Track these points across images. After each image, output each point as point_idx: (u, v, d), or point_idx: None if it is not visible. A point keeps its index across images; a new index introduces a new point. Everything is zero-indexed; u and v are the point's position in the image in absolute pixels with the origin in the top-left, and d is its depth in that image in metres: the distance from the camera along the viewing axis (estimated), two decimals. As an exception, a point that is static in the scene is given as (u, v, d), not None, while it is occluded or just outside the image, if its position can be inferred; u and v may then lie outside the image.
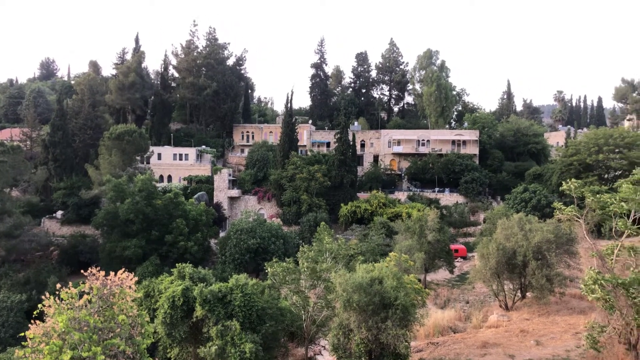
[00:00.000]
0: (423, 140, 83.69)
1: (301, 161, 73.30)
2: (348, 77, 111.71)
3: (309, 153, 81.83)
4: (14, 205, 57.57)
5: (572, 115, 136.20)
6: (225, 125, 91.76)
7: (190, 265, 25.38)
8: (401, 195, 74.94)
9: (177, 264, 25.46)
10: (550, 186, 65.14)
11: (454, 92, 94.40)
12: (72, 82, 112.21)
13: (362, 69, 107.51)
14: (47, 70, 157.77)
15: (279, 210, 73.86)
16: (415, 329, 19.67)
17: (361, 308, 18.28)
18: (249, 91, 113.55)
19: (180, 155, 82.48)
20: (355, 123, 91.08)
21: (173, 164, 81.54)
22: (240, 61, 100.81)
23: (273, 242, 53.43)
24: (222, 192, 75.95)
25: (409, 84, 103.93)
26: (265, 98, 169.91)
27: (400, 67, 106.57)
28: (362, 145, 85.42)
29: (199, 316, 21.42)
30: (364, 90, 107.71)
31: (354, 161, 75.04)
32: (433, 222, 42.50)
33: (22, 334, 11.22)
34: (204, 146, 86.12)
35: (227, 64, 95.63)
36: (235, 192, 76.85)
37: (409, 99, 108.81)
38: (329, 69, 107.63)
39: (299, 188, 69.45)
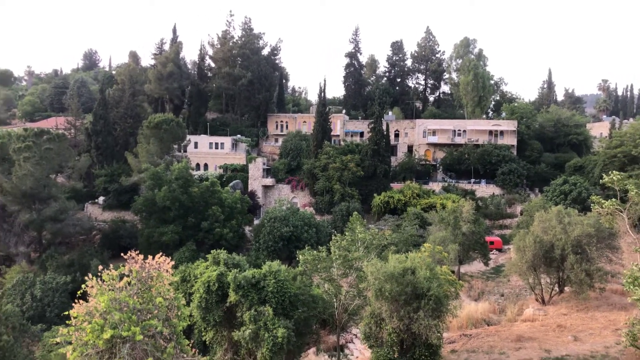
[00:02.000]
0: (459, 130, 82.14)
1: (334, 151, 73.28)
2: (383, 67, 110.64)
3: (342, 143, 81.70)
4: (59, 191, 60.06)
5: (618, 105, 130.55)
6: (260, 115, 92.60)
7: (225, 251, 25.84)
8: (435, 186, 73.97)
9: (212, 250, 26.00)
10: (592, 179, 62.88)
11: (492, 82, 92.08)
12: (113, 72, 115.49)
13: (397, 58, 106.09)
14: (90, 61, 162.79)
15: (311, 199, 74.25)
16: (448, 320, 19.50)
17: (393, 298, 18.25)
18: (283, 81, 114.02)
19: (216, 144, 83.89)
20: (390, 113, 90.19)
21: (209, 153, 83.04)
22: (274, 51, 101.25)
23: (306, 231, 53.79)
24: (257, 180, 76.90)
25: (445, 73, 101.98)
26: (299, 88, 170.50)
27: (437, 55, 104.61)
28: (396, 135, 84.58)
29: (233, 301, 21.85)
30: (398, 80, 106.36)
31: (388, 151, 74.44)
32: (468, 214, 41.80)
33: (66, 313, 11.75)
34: (239, 135, 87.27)
35: (262, 54, 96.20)
36: (269, 181, 77.68)
37: (444, 88, 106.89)
38: (363, 59, 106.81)
39: (332, 178, 69.54)
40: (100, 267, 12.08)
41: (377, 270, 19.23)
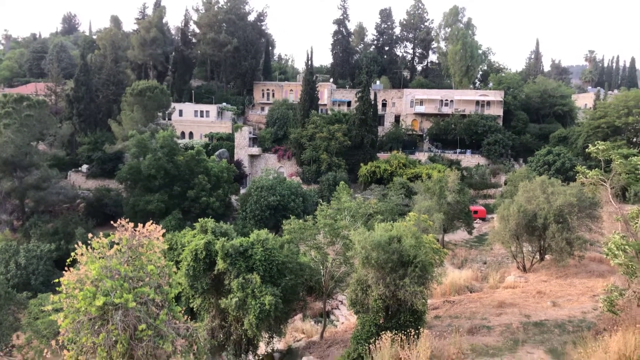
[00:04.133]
0: (446, 100, 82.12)
1: (321, 120, 72.89)
2: (371, 35, 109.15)
3: (329, 112, 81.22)
4: (41, 159, 59.05)
5: (603, 76, 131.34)
6: (246, 83, 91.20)
7: (212, 220, 25.91)
8: (422, 156, 74.42)
9: (199, 219, 26.01)
10: (576, 149, 63.82)
11: (480, 51, 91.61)
12: (94, 37, 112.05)
13: (385, 26, 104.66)
14: (69, 25, 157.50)
15: (298, 169, 74.24)
16: (433, 287, 19.97)
17: (379, 265, 18.57)
18: (270, 48, 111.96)
19: (202, 112, 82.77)
20: (377, 82, 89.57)
21: (194, 121, 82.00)
22: (261, 17, 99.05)
23: (293, 200, 54.02)
24: (243, 149, 76.45)
25: (433, 42, 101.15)
26: (286, 55, 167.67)
27: (425, 24, 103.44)
28: (384, 105, 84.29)
29: (221, 269, 22.04)
30: (387, 48, 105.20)
31: (375, 121, 74.30)
32: (453, 184, 42.32)
33: (57, 280, 11.76)
34: (224, 103, 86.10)
35: (248, 19, 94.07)
36: (255, 150, 77.28)
37: (433, 57, 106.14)
38: (351, 26, 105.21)
39: (319, 147, 69.43)
40: (90, 235, 12.05)
41: (364, 238, 19.48)
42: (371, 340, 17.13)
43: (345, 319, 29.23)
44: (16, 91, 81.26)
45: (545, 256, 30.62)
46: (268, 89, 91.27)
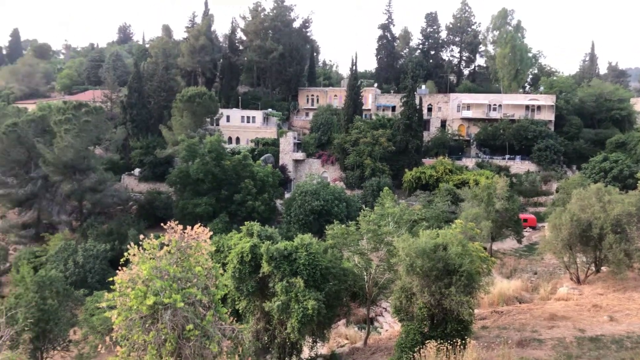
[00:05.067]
0: (494, 104, 80.00)
1: (365, 125, 72.66)
2: (416, 39, 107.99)
3: (373, 117, 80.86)
4: (97, 162, 61.99)
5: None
6: (291, 89, 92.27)
7: (258, 223, 26.28)
8: (469, 162, 72.69)
9: (245, 222, 26.45)
10: (635, 155, 60.55)
11: (530, 54, 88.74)
12: (147, 45, 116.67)
13: (431, 30, 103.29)
14: (124, 34, 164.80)
15: (342, 174, 74.25)
16: (480, 296, 19.46)
17: (424, 273, 18.28)
18: (314, 54, 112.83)
19: (248, 117, 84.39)
20: (423, 86, 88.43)
21: (241, 126, 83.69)
22: (306, 23, 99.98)
23: (336, 205, 54.06)
24: (287, 154, 77.29)
25: (480, 46, 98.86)
26: (330, 61, 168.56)
27: (472, 27, 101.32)
28: (429, 110, 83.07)
29: (266, 272, 22.30)
30: (432, 52, 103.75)
31: (420, 126, 73.30)
32: (502, 190, 41.11)
33: (111, 279, 12.23)
34: (270, 109, 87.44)
35: (294, 26, 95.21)
36: (299, 155, 77.96)
37: (480, 61, 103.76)
38: (396, 31, 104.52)
39: (363, 152, 69.19)
40: (141, 236, 12.49)
41: (408, 245, 19.23)
42: (416, 349, 16.86)
43: (389, 326, 28.90)
44: (75, 98, 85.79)
45: (602, 268, 29.15)
46: (312, 95, 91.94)
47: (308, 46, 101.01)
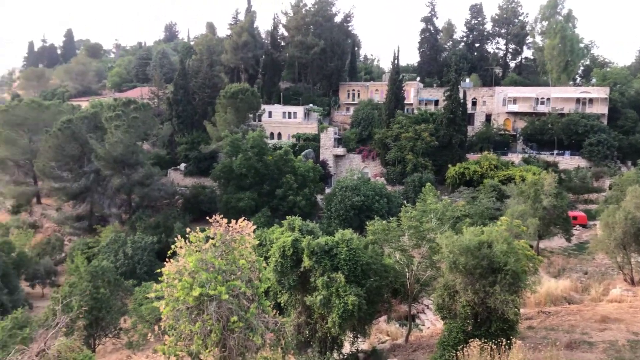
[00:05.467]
0: (542, 98, 77.16)
1: (407, 120, 71.78)
2: (460, 31, 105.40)
3: (415, 111, 79.74)
4: (145, 157, 64.21)
5: None
6: (332, 84, 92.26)
7: (299, 218, 26.54)
8: (515, 158, 70.54)
9: (287, 217, 26.77)
10: (696, 151, 56.97)
11: (581, 45, 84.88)
12: (192, 43, 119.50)
13: (476, 21, 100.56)
14: (170, 32, 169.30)
15: (382, 169, 73.71)
16: (526, 296, 18.90)
17: (468, 271, 17.93)
18: (356, 48, 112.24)
19: (289, 113, 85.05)
20: (467, 80, 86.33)
21: (282, 122, 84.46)
22: (347, 18, 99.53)
23: (377, 201, 53.79)
24: (328, 150, 77.43)
25: (528, 37, 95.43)
26: (372, 55, 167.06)
27: (519, 18, 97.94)
28: (474, 104, 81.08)
29: (307, 267, 22.48)
30: (477, 45, 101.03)
31: (464, 120, 71.72)
32: (550, 187, 39.67)
33: (158, 270, 12.67)
34: (311, 105, 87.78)
35: (335, 21, 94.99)
36: (340, 150, 77.94)
37: (527, 53, 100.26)
38: (439, 23, 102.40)
39: (404, 147, 68.40)
40: (188, 229, 12.86)
41: (452, 242, 18.90)
42: (459, 347, 16.59)
43: (431, 323, 28.56)
44: (124, 95, 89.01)
45: (658, 269, 27.71)
46: (353, 90, 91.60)
47: (349, 41, 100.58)
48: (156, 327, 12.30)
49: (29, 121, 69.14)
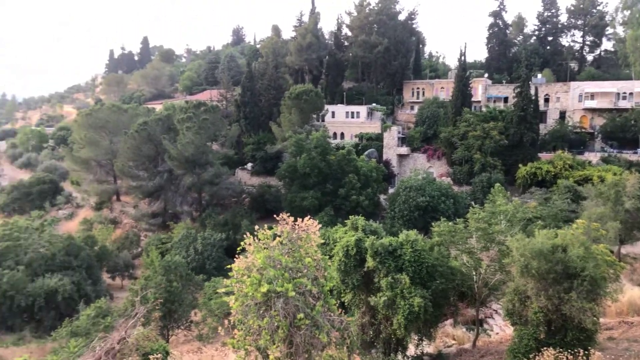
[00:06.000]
0: (624, 93, 71.91)
1: (474, 118, 69.50)
2: (532, 25, 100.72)
3: (483, 109, 77.02)
4: (214, 157, 66.77)
5: None
6: (396, 82, 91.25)
7: (362, 217, 26.51)
8: (592, 157, 66.24)
9: (350, 216, 26.83)
10: None
11: (670, 34, 78.07)
12: (258, 46, 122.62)
13: (549, 14, 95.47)
14: (238, 36, 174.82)
15: (448, 169, 71.87)
16: (606, 304, 17.76)
17: (540, 275, 17.15)
18: (420, 46, 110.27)
19: (352, 113, 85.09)
20: (539, 75, 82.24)
21: (345, 122, 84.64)
22: (412, 15, 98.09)
23: (442, 202, 52.58)
24: (391, 149, 76.63)
25: (607, 28, 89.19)
26: (437, 52, 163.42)
27: (598, 8, 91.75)
28: (546, 100, 77.05)
29: (370, 267, 22.42)
30: (550, 39, 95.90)
31: (536, 118, 68.28)
32: (633, 188, 36.92)
33: (229, 266, 13.14)
34: (374, 104, 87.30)
35: (399, 19, 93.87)
36: (404, 150, 76.89)
37: (607, 45, 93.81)
38: (509, 17, 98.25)
39: (472, 146, 66.30)
40: (256, 227, 13.27)
41: (523, 245, 18.16)
42: (530, 356, 15.92)
43: (500, 329, 27.54)
44: (195, 98, 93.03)
45: None
46: (418, 88, 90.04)
47: (413, 38, 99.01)
48: (226, 321, 12.80)
49: (110, 124, 74.04)
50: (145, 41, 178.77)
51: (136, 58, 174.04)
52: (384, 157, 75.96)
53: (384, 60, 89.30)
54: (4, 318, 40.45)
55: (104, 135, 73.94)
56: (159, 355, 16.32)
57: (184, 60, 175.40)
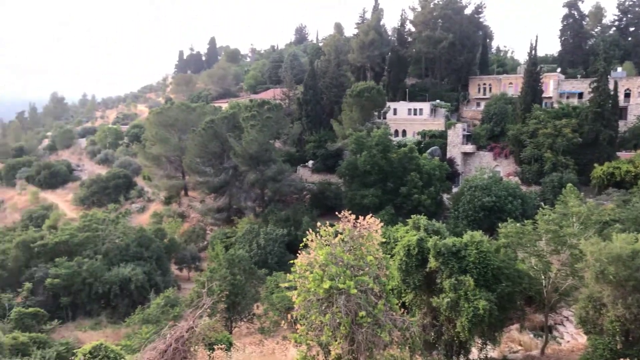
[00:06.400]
0: None
1: (545, 115, 66.13)
2: (611, 15, 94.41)
3: (555, 105, 73.15)
4: (277, 155, 68.13)
5: None
6: (461, 78, 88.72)
7: (425, 217, 26.07)
8: (679, 156, 61.03)
9: (412, 215, 26.47)
10: None
11: None
12: (320, 44, 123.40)
13: (631, 2, 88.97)
14: (300, 35, 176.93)
15: (516, 168, 68.92)
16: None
17: (618, 282, 16.12)
18: (487, 40, 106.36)
19: (415, 110, 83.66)
20: (619, 69, 76.91)
21: (407, 119, 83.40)
22: (479, 9, 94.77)
23: (510, 202, 50.58)
24: (456, 147, 74.62)
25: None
26: (505, 47, 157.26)
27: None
28: (627, 95, 71.89)
29: (433, 267, 22.01)
30: (632, 29, 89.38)
31: (615, 114, 63.90)
32: None
33: (291, 262, 13.39)
34: (438, 100, 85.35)
35: (465, 13, 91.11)
36: (469, 148, 74.63)
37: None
38: (585, 8, 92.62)
39: (542, 145, 63.15)
40: (318, 224, 13.42)
41: (599, 249, 17.13)
42: (605, 367, 15.00)
43: (571, 337, 26.14)
44: (259, 97, 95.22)
45: None
46: (484, 84, 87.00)
47: (480, 32, 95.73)
48: (289, 316, 13.05)
49: (179, 122, 77.46)
50: (212, 42, 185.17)
51: (204, 58, 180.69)
52: (448, 155, 74.11)
53: (448, 55, 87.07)
54: (83, 303, 43.60)
55: (174, 132, 77.41)
56: (223, 345, 16.94)
57: (248, 59, 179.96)
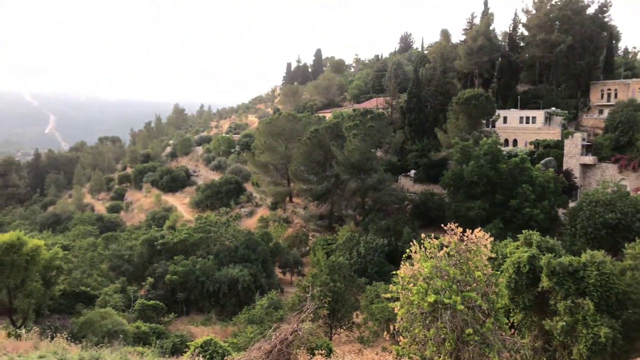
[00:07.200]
0: None
1: (685, 123, 58.55)
2: None
3: (697, 112, 64.40)
4: (378, 164, 68.12)
5: None
6: (580, 84, 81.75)
7: (537, 233, 24.54)
8: None
9: (523, 231, 25.03)
10: None
11: None
12: (425, 52, 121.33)
13: None
14: (405, 43, 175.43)
15: (647, 182, 61.71)
16: None
17: None
18: (613, 42, 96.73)
19: (527, 118, 78.66)
20: None
21: (519, 128, 78.66)
22: (603, 8, 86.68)
23: (638, 220, 45.45)
24: (573, 158, 68.72)
25: None
26: (635, 48, 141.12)
27: None
28: None
29: (545, 287, 20.58)
30: None
31: None
32: None
33: (394, 273, 13.26)
34: (553, 108, 79.40)
35: (587, 13, 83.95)
36: (589, 159, 68.32)
37: None
38: None
39: (680, 156, 55.93)
40: (422, 235, 13.20)
41: None
42: None
43: None
44: (362, 106, 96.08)
45: None
46: (609, 89, 79.26)
47: (605, 34, 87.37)
48: (392, 327, 12.96)
49: (286, 131, 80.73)
50: (318, 53, 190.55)
51: (310, 70, 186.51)
52: (564, 166, 68.48)
53: (566, 59, 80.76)
54: (196, 300, 47.05)
55: (281, 141, 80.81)
56: (323, 351, 17.26)
57: (352, 70, 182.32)
